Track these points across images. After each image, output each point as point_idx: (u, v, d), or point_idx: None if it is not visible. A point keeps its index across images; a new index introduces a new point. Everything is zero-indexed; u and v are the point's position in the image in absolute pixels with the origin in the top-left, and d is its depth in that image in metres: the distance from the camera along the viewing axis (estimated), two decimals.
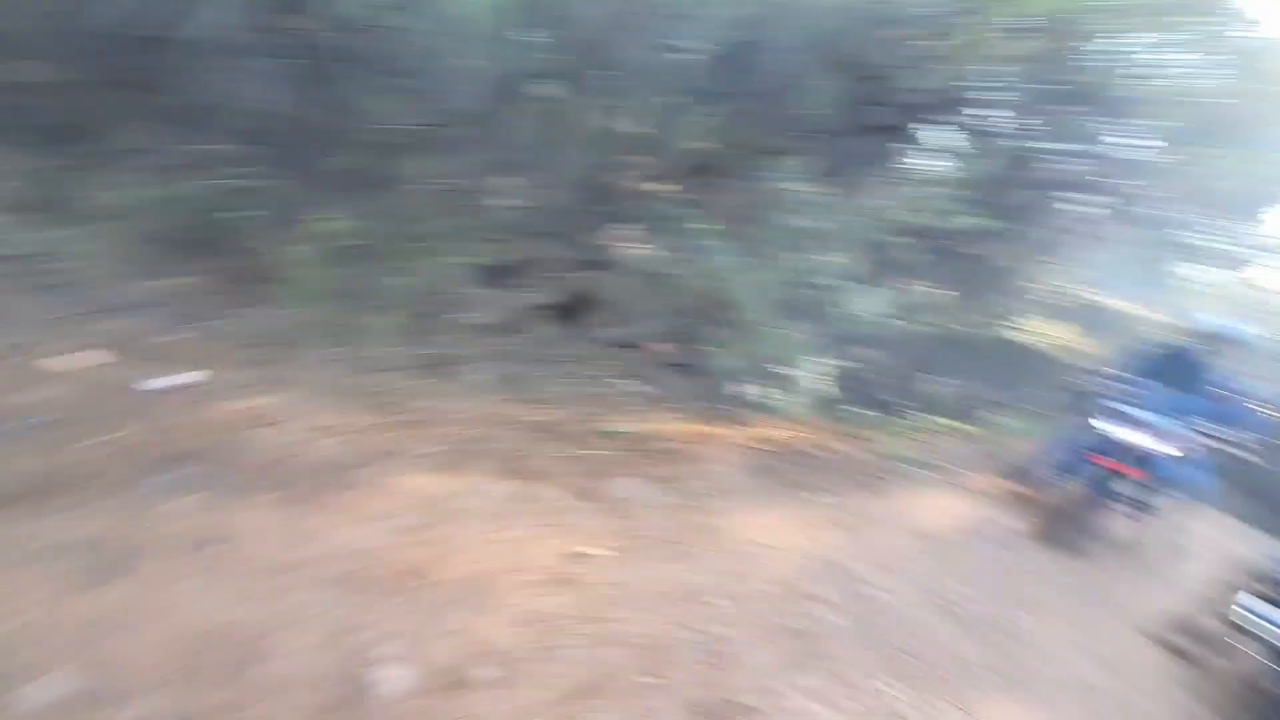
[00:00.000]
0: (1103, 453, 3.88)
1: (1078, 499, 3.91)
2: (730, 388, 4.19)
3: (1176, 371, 4.11)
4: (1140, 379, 4.14)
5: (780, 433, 4.15)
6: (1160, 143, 6.82)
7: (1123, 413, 3.94)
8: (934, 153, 5.63)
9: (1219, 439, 3.88)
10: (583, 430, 3.54)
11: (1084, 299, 9.82)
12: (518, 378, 4.16)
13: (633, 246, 6.09)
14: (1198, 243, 9.67)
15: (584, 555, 2.65)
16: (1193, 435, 3.87)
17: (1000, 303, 7.16)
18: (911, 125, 5.34)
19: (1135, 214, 7.82)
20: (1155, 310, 9.24)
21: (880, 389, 5.23)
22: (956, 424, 5.37)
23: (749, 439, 3.99)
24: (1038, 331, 9.54)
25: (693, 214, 4.61)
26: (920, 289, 4.89)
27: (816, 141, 5.50)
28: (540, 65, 4.29)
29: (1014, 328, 7.67)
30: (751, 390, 3.99)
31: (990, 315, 6.96)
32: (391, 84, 4.01)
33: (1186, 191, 8.39)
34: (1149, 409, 3.90)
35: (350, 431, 2.89)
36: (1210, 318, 4.23)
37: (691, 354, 4.57)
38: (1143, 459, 3.80)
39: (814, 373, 4.04)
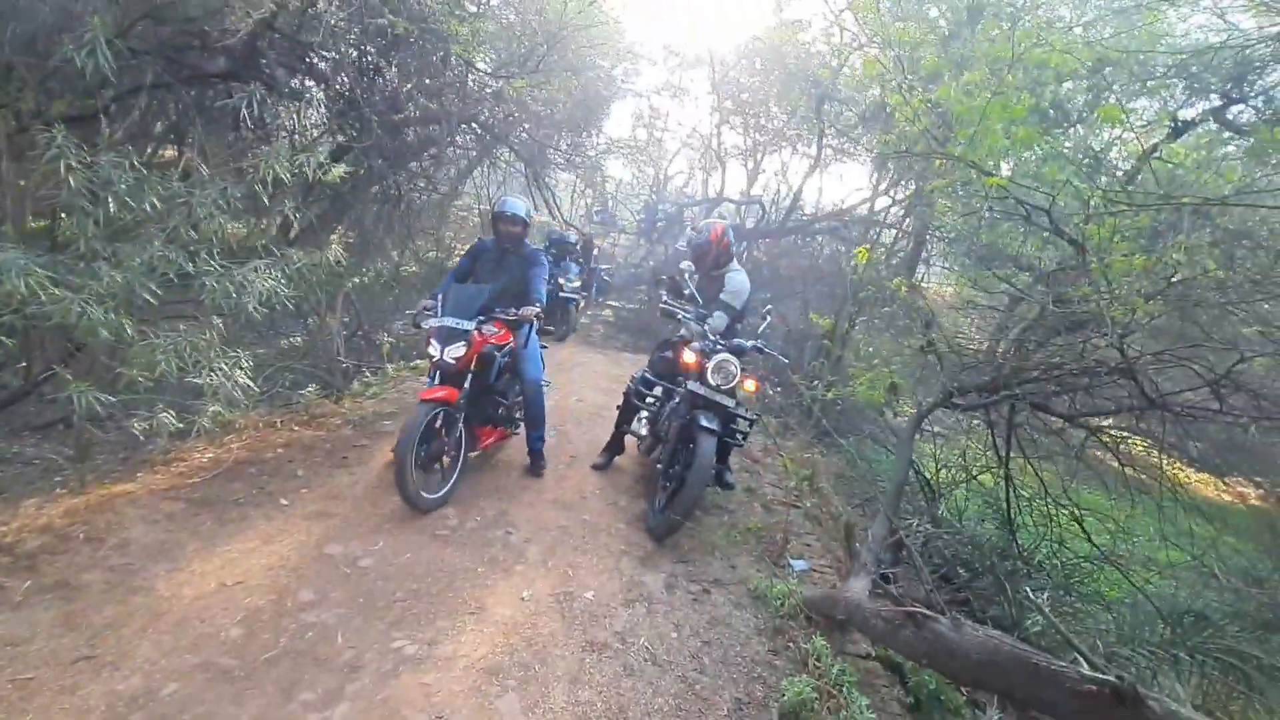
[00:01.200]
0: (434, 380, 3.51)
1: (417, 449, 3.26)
2: (116, 429, 3.27)
3: (483, 267, 4.02)
4: (448, 286, 3.76)
5: (217, 452, 3.52)
6: (506, 74, 7.97)
7: (435, 328, 3.48)
8: (291, 101, 5.28)
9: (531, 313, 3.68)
10: None
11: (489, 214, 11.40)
12: None
13: None
14: (558, 155, 12.21)
15: None
16: (494, 324, 3.73)
17: (417, 234, 7.57)
18: (249, 72, 4.81)
19: (505, 136, 9.18)
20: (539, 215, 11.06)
21: (324, 357, 4.96)
22: (415, 363, 5.59)
23: (172, 479, 3.24)
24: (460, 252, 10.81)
25: None
26: (329, 243, 4.67)
27: (126, 99, 4.45)
28: None
29: (439, 253, 8.35)
30: (149, 421, 3.17)
31: (412, 248, 7.31)
32: None
33: (539, 114, 10.31)
34: (446, 314, 3.48)
35: None
36: (514, 202, 4.07)
37: (33, 405, 3.36)
38: (458, 372, 3.44)
39: (230, 370, 3.46)
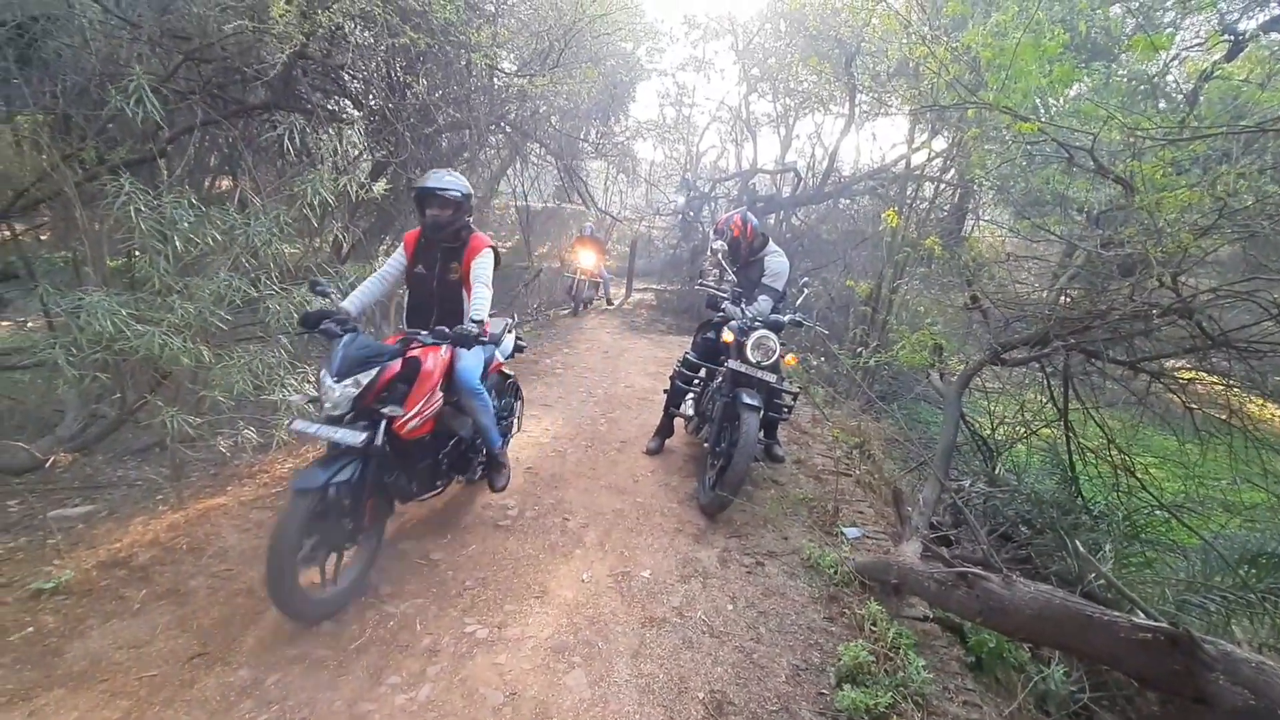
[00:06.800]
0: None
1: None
2: (205, 448, 3.58)
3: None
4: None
5: (295, 462, 3.80)
6: (528, 73, 8.09)
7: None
8: (329, 125, 5.52)
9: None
10: None
11: (530, 209, 11.59)
12: None
13: None
14: (588, 144, 12.28)
15: None
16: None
17: None
18: (289, 101, 5.06)
19: (533, 133, 9.30)
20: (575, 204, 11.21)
21: None
22: None
23: (258, 489, 3.53)
24: (501, 248, 11.06)
25: (45, 261, 3.52)
26: (377, 255, 4.90)
27: (180, 139, 4.77)
28: None
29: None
30: (233, 438, 3.47)
31: None
32: None
33: (564, 107, 10.39)
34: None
35: None
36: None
37: (131, 431, 3.71)
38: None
39: (300, 385, 3.73)
